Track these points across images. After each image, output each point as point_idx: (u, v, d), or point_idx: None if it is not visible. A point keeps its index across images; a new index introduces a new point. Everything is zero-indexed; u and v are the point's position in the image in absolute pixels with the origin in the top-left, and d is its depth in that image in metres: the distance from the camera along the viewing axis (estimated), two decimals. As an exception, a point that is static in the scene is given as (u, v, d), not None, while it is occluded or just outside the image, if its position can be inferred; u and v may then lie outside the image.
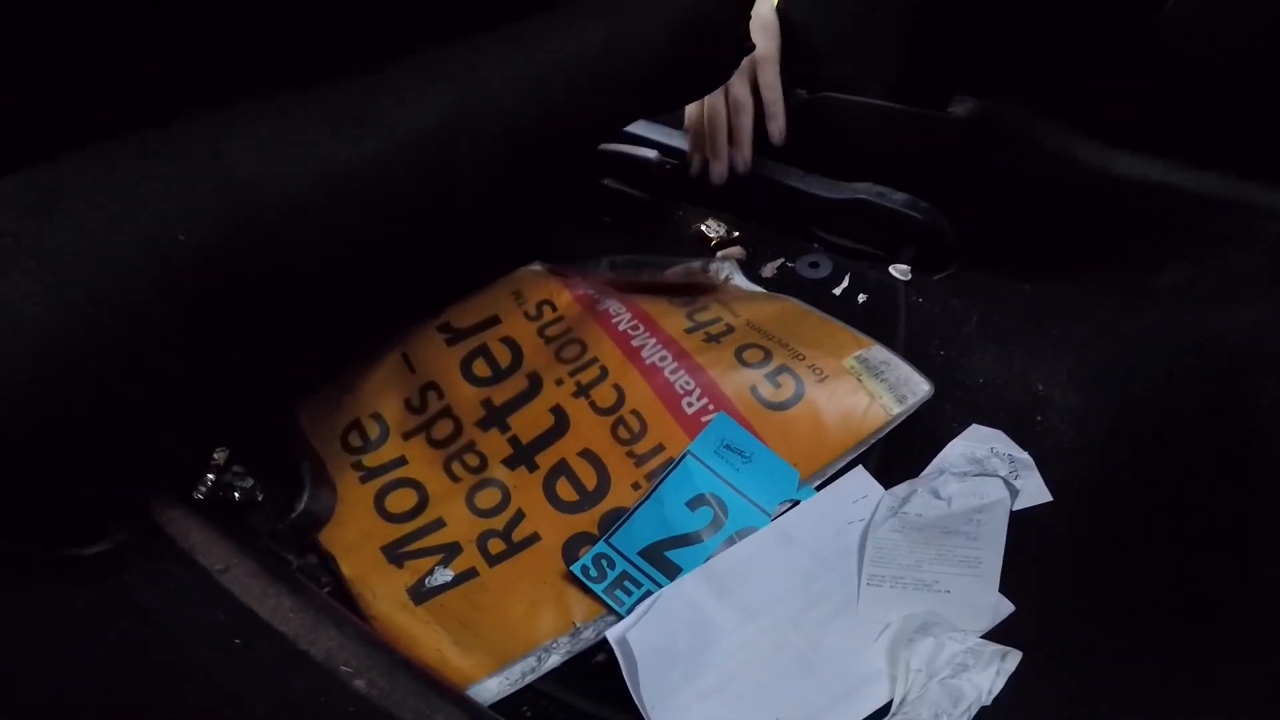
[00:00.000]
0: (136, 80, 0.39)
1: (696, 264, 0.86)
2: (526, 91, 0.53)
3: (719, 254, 0.91)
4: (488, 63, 0.51)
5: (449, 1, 0.51)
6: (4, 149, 0.37)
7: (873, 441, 0.68)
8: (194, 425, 0.50)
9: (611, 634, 0.57)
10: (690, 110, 0.95)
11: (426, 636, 0.59)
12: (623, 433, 0.68)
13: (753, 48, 0.80)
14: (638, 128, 1.04)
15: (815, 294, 0.85)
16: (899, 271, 0.90)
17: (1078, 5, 0.89)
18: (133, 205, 0.38)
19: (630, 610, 0.59)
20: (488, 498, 0.66)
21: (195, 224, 0.40)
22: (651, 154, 1.01)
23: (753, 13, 0.87)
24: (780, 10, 0.97)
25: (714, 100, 0.92)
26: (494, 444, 0.69)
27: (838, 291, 0.87)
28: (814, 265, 0.90)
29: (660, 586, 0.60)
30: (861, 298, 0.86)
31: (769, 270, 0.90)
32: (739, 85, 0.91)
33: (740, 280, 0.86)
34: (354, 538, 0.64)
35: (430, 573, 0.62)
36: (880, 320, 0.83)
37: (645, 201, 1.02)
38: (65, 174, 0.38)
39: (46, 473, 0.42)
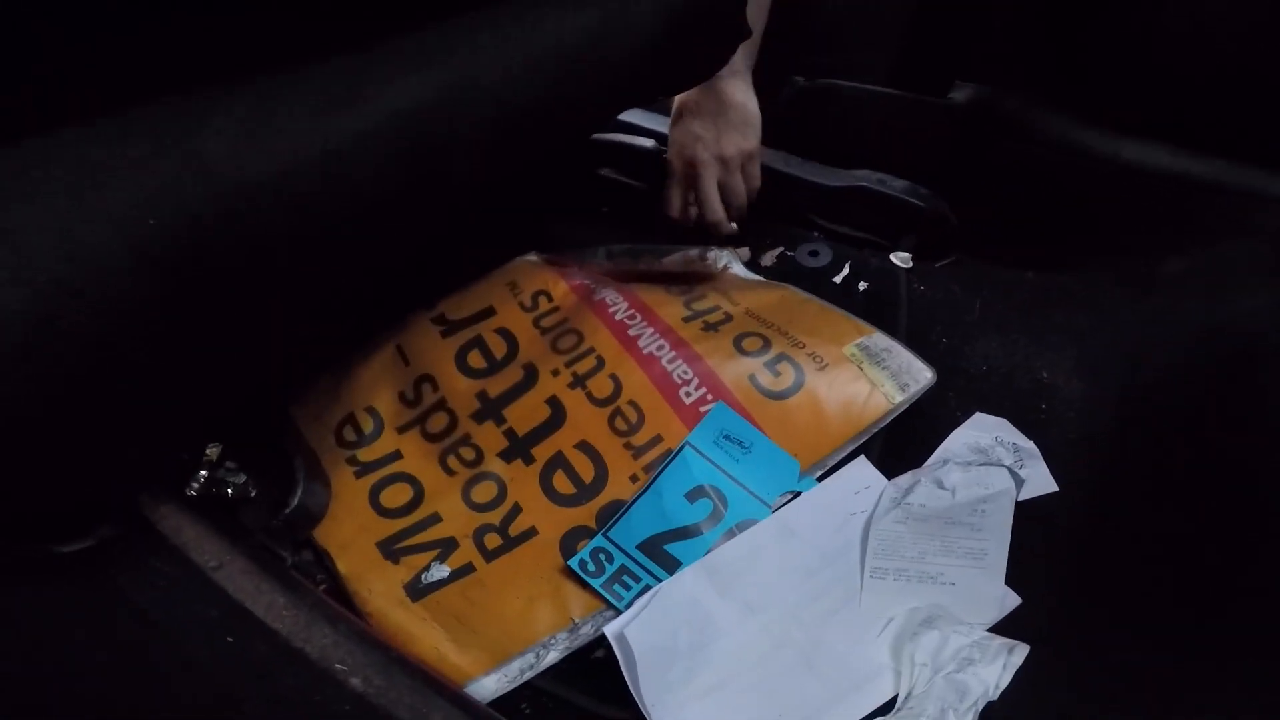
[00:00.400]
0: (108, 61, 0.38)
1: (694, 252, 0.85)
2: (517, 76, 0.52)
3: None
4: (477, 46, 0.50)
5: None
6: None
7: (875, 431, 0.67)
8: (177, 419, 0.50)
9: (610, 630, 0.57)
10: (673, 202, 0.92)
11: (423, 633, 0.58)
12: (620, 424, 0.67)
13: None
14: (634, 116, 1.03)
15: (815, 282, 0.84)
16: (900, 259, 0.89)
17: None
18: (101, 189, 0.37)
19: (629, 605, 0.58)
20: (484, 491, 0.65)
21: (167, 208, 0.39)
22: (649, 143, 1.00)
23: (737, 106, 0.87)
24: None
25: (710, 195, 0.90)
26: (490, 437, 0.68)
27: (838, 280, 0.86)
28: (814, 254, 0.89)
29: (659, 581, 0.59)
30: (862, 286, 0.85)
31: (768, 259, 0.89)
32: (736, 179, 0.90)
33: (739, 269, 0.85)
34: (349, 534, 0.64)
35: (426, 569, 0.61)
36: (882, 308, 0.82)
37: (643, 191, 1.01)
38: (31, 158, 0.37)
39: (17, 466, 0.41)
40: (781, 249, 0.90)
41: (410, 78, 0.48)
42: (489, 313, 0.76)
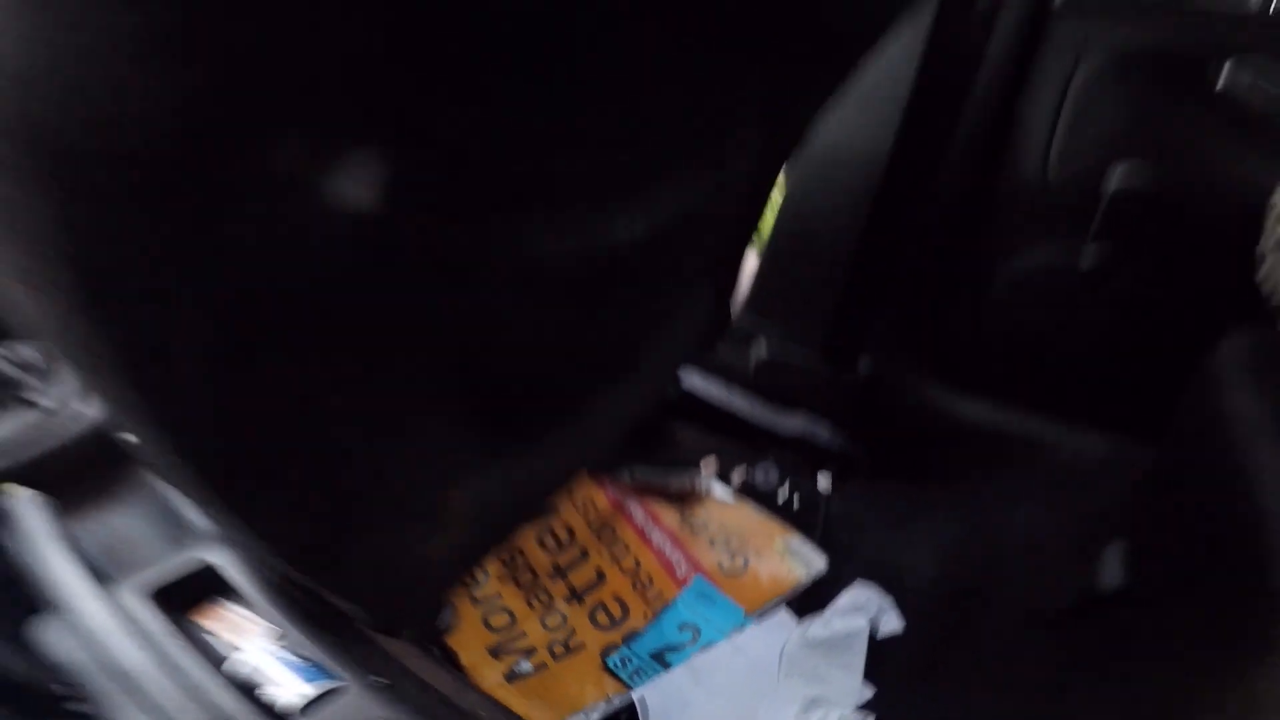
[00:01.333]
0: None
1: (687, 480, 1.29)
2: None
3: (701, 462, 1.33)
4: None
5: None
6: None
7: (792, 595, 1.09)
8: None
9: (635, 695, 0.96)
10: None
11: (516, 704, 0.95)
12: (639, 585, 1.09)
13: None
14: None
15: (766, 498, 1.28)
16: (821, 485, 1.32)
17: (927, 284, 1.35)
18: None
19: (643, 687, 0.98)
20: (553, 620, 1.05)
21: None
22: None
23: None
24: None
25: None
26: (558, 588, 1.09)
27: (780, 500, 1.29)
28: (766, 476, 1.32)
29: (660, 674, 0.99)
30: (796, 502, 1.28)
31: (736, 479, 1.32)
32: None
33: (717, 491, 1.28)
34: (468, 641, 1.02)
35: (517, 664, 0.99)
36: (809, 517, 1.25)
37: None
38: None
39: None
40: (745, 466, 1.34)
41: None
42: (555, 511, 1.19)
